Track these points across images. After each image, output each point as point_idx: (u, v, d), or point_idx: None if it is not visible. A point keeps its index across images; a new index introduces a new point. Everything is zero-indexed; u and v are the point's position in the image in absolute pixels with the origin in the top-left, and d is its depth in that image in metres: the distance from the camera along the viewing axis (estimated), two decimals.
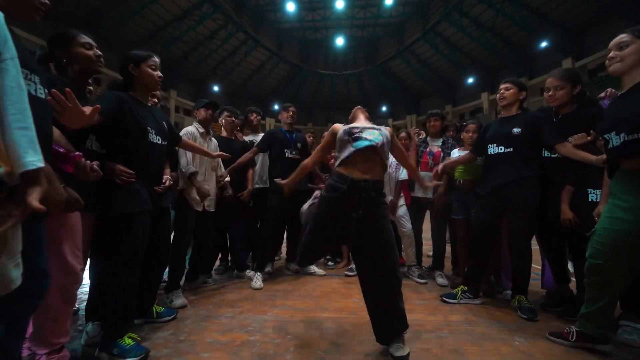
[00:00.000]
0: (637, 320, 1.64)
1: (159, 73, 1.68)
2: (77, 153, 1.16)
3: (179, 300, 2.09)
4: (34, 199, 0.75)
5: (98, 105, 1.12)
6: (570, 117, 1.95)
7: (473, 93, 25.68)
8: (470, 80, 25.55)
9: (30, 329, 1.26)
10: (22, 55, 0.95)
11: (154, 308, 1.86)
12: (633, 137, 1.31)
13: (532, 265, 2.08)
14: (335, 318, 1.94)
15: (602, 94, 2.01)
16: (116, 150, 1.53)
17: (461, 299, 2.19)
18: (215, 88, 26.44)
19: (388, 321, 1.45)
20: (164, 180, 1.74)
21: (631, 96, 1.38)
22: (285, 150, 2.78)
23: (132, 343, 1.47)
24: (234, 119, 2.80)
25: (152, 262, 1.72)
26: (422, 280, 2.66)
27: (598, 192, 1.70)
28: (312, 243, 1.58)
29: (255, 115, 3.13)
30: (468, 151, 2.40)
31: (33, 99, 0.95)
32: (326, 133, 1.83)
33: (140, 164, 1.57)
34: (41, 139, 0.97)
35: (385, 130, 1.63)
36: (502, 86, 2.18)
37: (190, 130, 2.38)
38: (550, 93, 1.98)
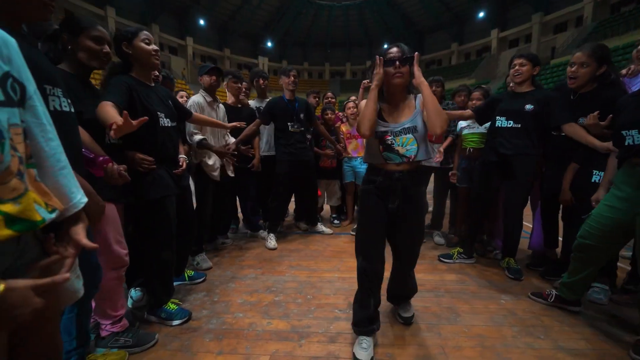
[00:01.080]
0: (606, 283, 1.93)
1: (154, 46, 1.57)
2: (105, 158, 1.19)
3: (205, 264, 2.33)
4: (83, 237, 0.74)
5: (145, 118, 1.11)
6: (588, 97, 1.91)
7: (482, 29, 23.80)
8: (481, 14, 23.37)
9: (93, 305, 1.46)
10: (43, 66, 0.92)
11: (185, 272, 2.09)
12: None
13: (524, 223, 2.30)
14: (347, 278, 2.20)
15: (624, 71, 1.96)
16: (130, 139, 1.53)
17: (457, 259, 2.46)
18: (202, 22, 23.91)
19: (403, 287, 1.67)
20: (180, 163, 1.78)
21: None
22: (289, 124, 2.75)
23: (175, 307, 1.70)
24: (239, 84, 2.69)
25: (181, 232, 1.87)
26: None
27: (602, 173, 1.78)
28: (364, 239, 1.48)
29: (262, 80, 2.99)
30: (471, 112, 2.41)
31: (59, 114, 0.94)
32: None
33: (157, 150, 1.59)
34: (73, 154, 0.99)
35: (419, 117, 1.39)
36: (517, 61, 2.10)
37: (197, 100, 2.32)
38: (574, 69, 1.90)
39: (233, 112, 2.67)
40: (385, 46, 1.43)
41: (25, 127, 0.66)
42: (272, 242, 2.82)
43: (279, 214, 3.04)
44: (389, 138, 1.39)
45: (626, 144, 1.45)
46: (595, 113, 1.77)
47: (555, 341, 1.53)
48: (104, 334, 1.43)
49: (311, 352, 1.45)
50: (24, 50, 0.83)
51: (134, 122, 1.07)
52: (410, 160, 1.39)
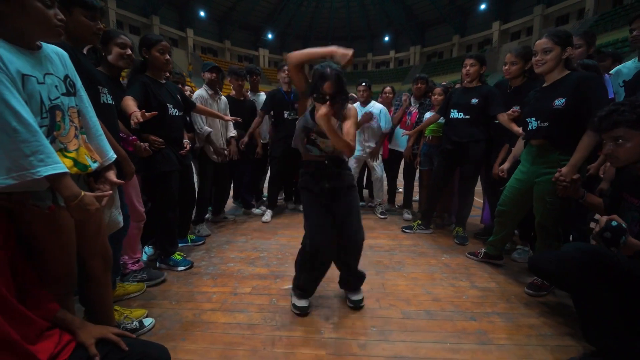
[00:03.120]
0: (527, 245, 2.37)
1: (167, 56, 1.99)
2: (134, 137, 1.63)
3: (205, 231, 2.79)
4: (113, 177, 1.16)
5: (155, 112, 1.56)
6: (519, 90, 2.34)
7: (484, 22, 23.76)
8: (483, 6, 23.32)
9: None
10: (95, 74, 1.36)
11: (188, 236, 2.56)
12: (543, 124, 1.76)
13: (478, 199, 2.72)
14: None
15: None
16: (146, 124, 1.96)
17: (416, 230, 2.91)
18: (202, 13, 24.05)
19: (351, 278, 1.73)
20: (185, 145, 2.22)
21: (549, 91, 1.75)
22: (284, 112, 3.16)
23: (180, 258, 2.17)
24: (240, 81, 3.11)
25: (184, 203, 2.34)
26: (383, 217, 3.41)
27: None
28: (311, 221, 1.65)
29: (255, 76, 3.41)
30: (435, 112, 2.85)
31: (105, 106, 1.40)
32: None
33: (166, 133, 2.02)
34: (114, 133, 1.45)
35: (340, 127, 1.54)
36: (468, 62, 2.51)
37: (200, 94, 2.74)
38: (506, 67, 2.32)
39: (237, 104, 3.11)
40: (321, 70, 1.49)
41: (78, 109, 1.07)
42: (267, 216, 3.27)
43: (276, 192, 3.49)
44: (314, 136, 1.54)
45: (529, 128, 1.87)
46: (516, 108, 2.19)
47: (473, 282, 1.98)
48: (126, 271, 1.90)
49: (283, 286, 1.91)
50: (85, 64, 1.28)
51: (147, 115, 1.51)
52: (327, 154, 1.56)
